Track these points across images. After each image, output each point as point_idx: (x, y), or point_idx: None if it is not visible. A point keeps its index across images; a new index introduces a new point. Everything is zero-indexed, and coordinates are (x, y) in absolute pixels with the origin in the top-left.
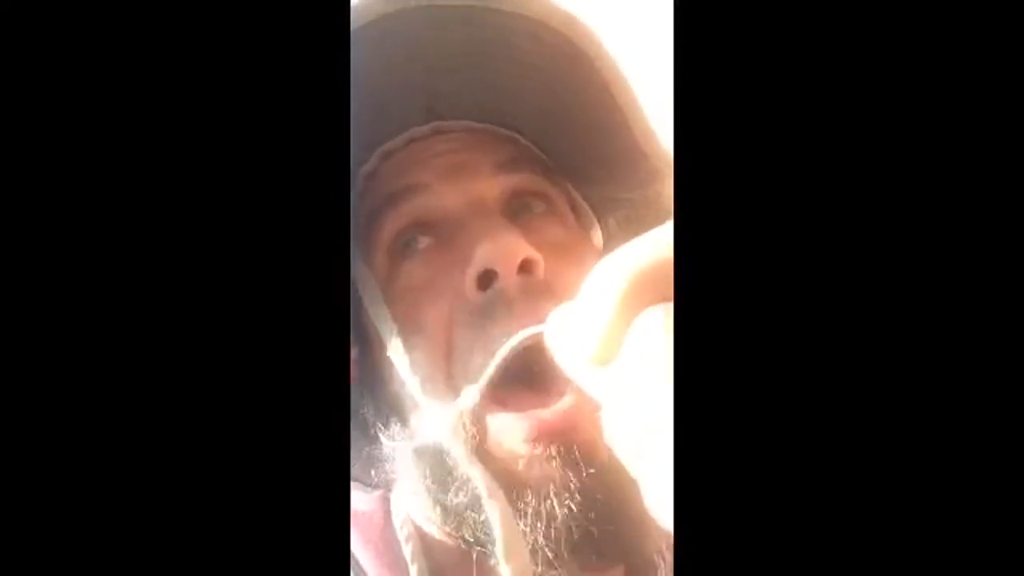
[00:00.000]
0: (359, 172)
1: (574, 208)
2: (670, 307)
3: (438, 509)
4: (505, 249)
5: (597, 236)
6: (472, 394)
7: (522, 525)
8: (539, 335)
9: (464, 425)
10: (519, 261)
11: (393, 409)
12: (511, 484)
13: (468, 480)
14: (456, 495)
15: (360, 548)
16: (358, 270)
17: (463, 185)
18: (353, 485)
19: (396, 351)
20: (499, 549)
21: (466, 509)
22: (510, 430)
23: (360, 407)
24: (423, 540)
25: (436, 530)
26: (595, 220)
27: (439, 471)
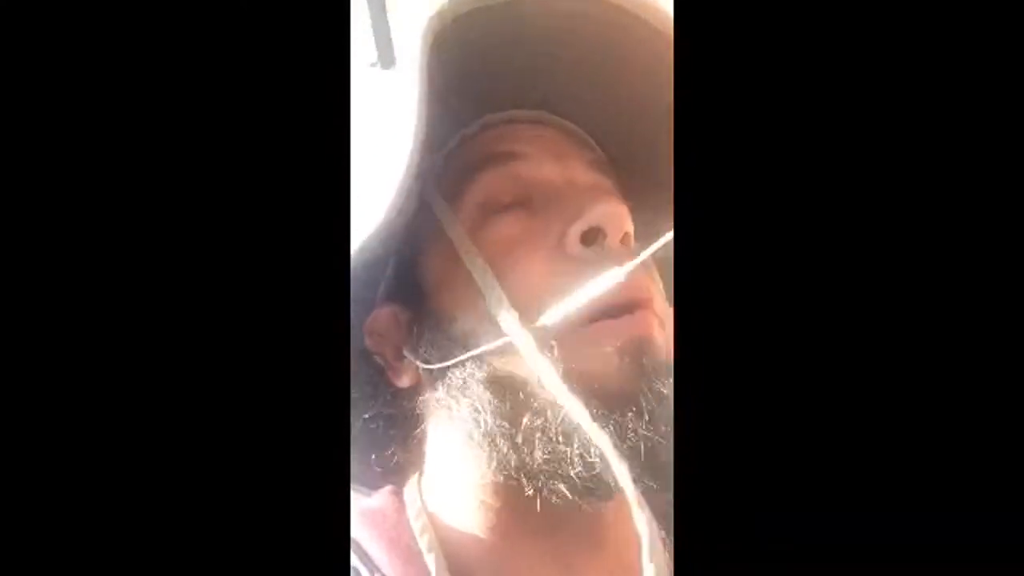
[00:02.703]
0: (459, 132)
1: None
2: None
3: (502, 445)
4: (617, 213)
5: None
6: (560, 312)
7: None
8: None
9: (552, 347)
10: (625, 229)
11: (459, 344)
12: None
13: (550, 405)
14: (533, 419)
15: (375, 547)
16: (443, 214)
17: (564, 166)
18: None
19: (487, 286)
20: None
21: (542, 432)
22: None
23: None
24: (438, 531)
25: (484, 474)
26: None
27: (515, 399)
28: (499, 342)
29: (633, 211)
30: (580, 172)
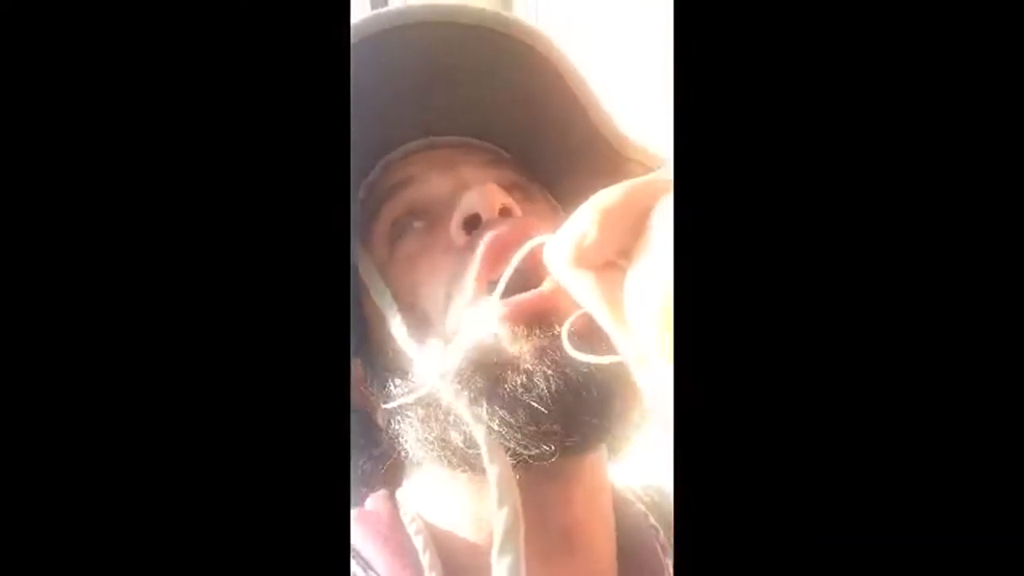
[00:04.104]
0: (362, 182)
1: (551, 206)
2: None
3: (446, 456)
4: (486, 195)
5: None
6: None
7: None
8: (541, 244)
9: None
10: (499, 206)
11: (394, 372)
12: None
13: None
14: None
15: (370, 547)
16: (359, 258)
17: (452, 174)
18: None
19: (392, 316)
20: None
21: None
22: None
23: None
24: (433, 534)
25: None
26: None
27: (440, 416)
28: (421, 392)
29: (553, 189)
30: (470, 174)
